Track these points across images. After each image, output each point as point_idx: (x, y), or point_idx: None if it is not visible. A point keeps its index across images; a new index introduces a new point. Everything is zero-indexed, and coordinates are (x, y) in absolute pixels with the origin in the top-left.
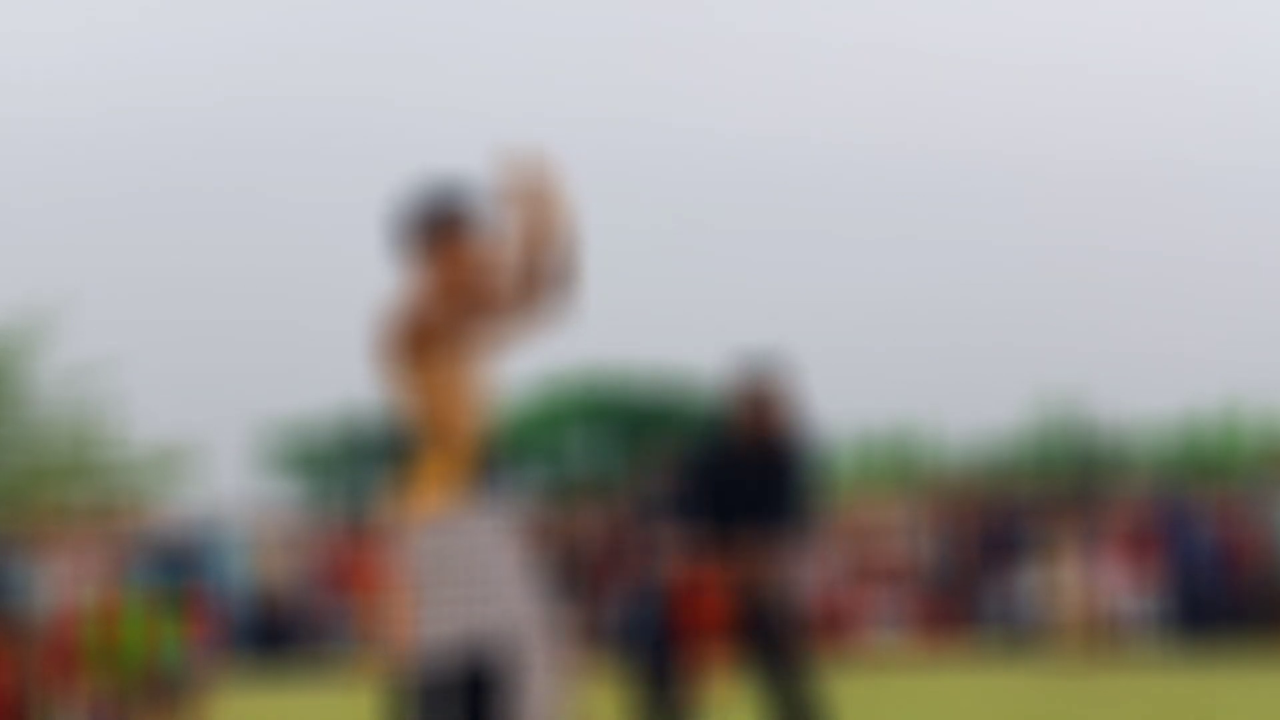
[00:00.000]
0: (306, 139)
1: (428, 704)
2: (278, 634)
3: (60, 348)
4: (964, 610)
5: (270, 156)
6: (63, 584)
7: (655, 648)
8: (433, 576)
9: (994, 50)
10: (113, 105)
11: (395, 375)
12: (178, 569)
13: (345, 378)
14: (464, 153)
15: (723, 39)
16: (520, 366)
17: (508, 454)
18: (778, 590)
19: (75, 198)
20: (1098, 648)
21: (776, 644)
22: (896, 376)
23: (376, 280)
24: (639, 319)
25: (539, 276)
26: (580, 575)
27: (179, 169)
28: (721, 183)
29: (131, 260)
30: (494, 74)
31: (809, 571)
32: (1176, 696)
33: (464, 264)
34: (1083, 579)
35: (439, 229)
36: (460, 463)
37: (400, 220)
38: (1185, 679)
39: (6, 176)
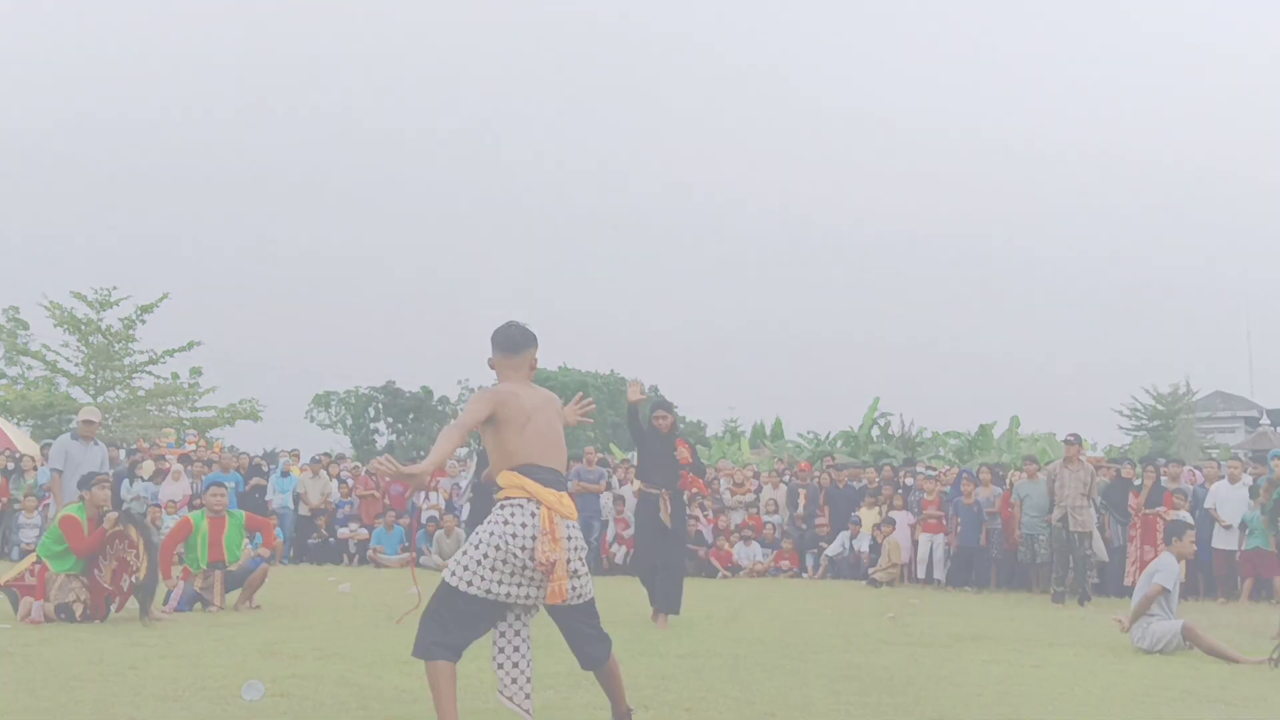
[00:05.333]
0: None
1: None
2: None
3: None
4: (809, 548)
5: None
6: None
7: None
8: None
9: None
10: None
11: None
12: None
13: None
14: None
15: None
16: None
17: None
18: (679, 509)
19: None
20: (902, 581)
21: (671, 545)
22: (755, 389)
23: None
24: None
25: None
26: None
27: None
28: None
29: None
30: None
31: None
32: (953, 609)
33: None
34: (894, 534)
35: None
36: None
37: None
38: (962, 602)
39: None
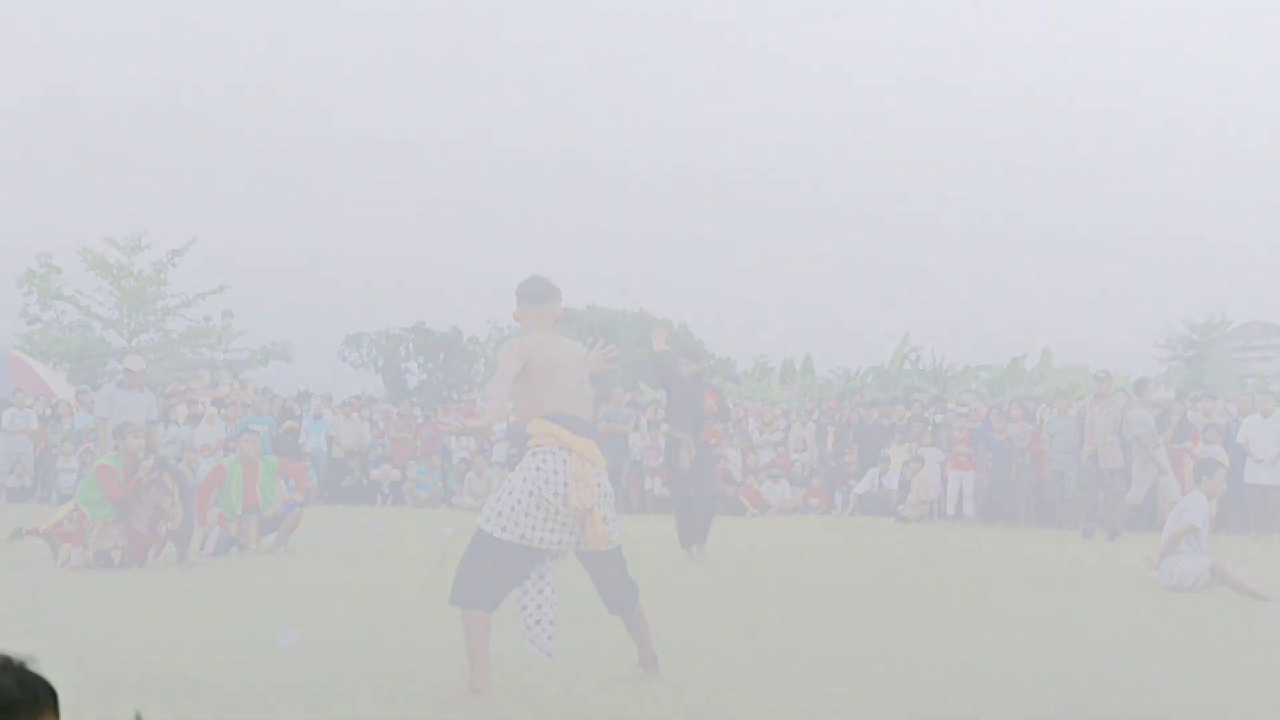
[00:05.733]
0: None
1: None
2: None
3: None
4: (838, 486)
5: None
6: None
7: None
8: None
9: None
10: None
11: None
12: None
13: None
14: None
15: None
16: None
17: None
18: (706, 454)
19: None
20: (931, 518)
21: (699, 487)
22: (788, 325)
23: None
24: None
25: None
26: None
27: None
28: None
29: None
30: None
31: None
32: (982, 546)
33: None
34: (923, 471)
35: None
36: None
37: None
38: (991, 539)
39: None
